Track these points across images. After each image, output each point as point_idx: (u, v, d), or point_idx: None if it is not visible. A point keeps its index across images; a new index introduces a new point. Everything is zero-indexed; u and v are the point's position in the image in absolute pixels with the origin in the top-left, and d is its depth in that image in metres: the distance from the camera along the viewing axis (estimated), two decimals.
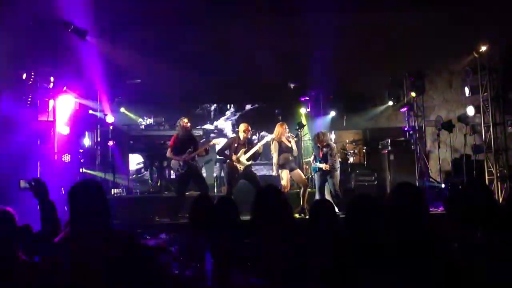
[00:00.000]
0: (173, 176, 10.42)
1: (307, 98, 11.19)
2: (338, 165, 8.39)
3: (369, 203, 2.96)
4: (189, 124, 8.10)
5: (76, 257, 2.39)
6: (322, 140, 8.29)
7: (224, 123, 12.17)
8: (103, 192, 2.72)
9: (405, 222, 2.60)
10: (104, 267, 2.35)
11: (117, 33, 10.03)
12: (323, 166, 8.16)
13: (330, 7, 9.97)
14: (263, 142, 8.29)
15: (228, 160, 8.09)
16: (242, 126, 8.17)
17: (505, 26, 9.55)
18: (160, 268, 2.74)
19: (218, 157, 8.66)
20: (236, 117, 12.23)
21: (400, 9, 10.31)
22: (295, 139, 8.41)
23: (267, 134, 11.64)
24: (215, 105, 12.23)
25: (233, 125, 12.17)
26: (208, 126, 11.97)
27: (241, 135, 8.08)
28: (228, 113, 12.28)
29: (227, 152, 8.06)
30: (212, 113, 12.30)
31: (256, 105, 12.25)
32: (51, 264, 2.45)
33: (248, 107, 12.28)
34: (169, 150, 8.06)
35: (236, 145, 8.03)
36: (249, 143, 8.14)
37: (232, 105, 12.29)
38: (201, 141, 9.71)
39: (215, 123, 12.19)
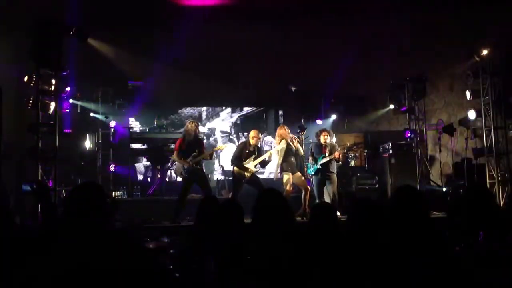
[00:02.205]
0: (167, 179, 10.44)
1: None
2: (336, 167, 8.37)
3: (370, 206, 2.95)
4: (198, 128, 8.08)
5: (76, 257, 2.38)
6: (327, 137, 8.28)
7: (221, 124, 12.03)
8: (104, 195, 2.72)
9: (406, 226, 2.60)
10: (103, 267, 2.34)
11: (119, 35, 10.04)
12: (335, 155, 8.05)
13: (331, 10, 10.02)
14: (273, 150, 8.32)
15: (235, 167, 8.09)
16: (252, 133, 8.19)
17: (507, 30, 9.55)
18: (161, 270, 2.74)
19: (231, 164, 8.57)
20: (233, 119, 12.11)
21: (401, 11, 10.30)
22: (297, 139, 8.43)
23: (270, 138, 11.63)
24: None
25: (230, 127, 12.03)
26: (199, 128, 11.71)
27: (251, 141, 8.12)
28: (223, 113, 12.12)
29: (240, 159, 8.03)
30: (204, 113, 12.06)
31: (255, 107, 12.12)
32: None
33: (246, 108, 12.18)
34: (175, 153, 8.00)
35: (246, 151, 8.06)
36: (258, 150, 8.18)
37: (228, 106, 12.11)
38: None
39: (208, 124, 12.02)
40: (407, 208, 2.67)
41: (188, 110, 11.98)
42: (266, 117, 12.21)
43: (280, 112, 12.12)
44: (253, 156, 8.02)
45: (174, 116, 11.69)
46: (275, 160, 8.29)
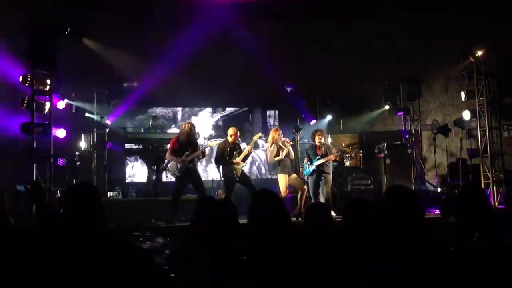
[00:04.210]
0: (165, 179, 10.38)
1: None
2: (331, 168, 8.40)
3: (364, 207, 2.96)
4: (193, 129, 8.09)
5: (71, 258, 2.38)
6: (321, 137, 8.31)
7: (200, 125, 11.72)
8: (98, 195, 2.72)
9: (400, 226, 2.61)
10: (98, 268, 2.34)
11: (114, 35, 10.01)
12: (330, 157, 8.14)
13: (327, 11, 10.04)
14: (252, 142, 8.41)
15: (224, 165, 8.10)
16: (231, 130, 8.25)
17: (501, 31, 9.59)
18: (156, 270, 2.73)
19: (216, 165, 8.56)
20: (214, 119, 11.66)
21: (398, 12, 10.34)
22: (291, 142, 8.45)
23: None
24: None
25: (211, 130, 11.70)
26: (173, 130, 10.87)
27: (230, 139, 8.17)
28: (203, 114, 11.62)
29: (223, 158, 8.09)
30: (180, 113, 11.51)
31: (239, 107, 11.79)
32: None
33: (230, 109, 11.79)
34: (168, 152, 8.05)
35: (228, 149, 8.09)
36: (238, 146, 8.27)
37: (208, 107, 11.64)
38: None
39: None
40: (401, 207, 2.67)
41: (160, 110, 11.44)
42: (252, 118, 11.87)
43: (268, 113, 11.98)
44: (236, 152, 8.08)
45: (143, 116, 11.12)
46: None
